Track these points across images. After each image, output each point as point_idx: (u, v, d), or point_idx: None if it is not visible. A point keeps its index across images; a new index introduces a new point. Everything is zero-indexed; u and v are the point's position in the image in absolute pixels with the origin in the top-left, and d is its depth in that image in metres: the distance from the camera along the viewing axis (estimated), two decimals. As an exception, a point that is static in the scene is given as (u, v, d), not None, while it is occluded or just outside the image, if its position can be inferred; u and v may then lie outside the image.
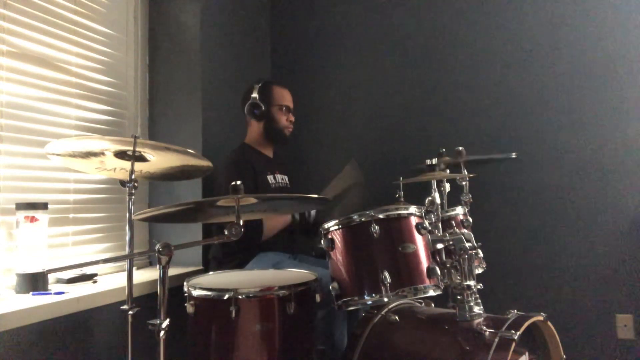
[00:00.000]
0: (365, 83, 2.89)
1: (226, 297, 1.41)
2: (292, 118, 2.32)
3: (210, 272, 1.79)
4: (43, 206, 1.63)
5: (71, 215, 1.91)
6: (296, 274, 1.69)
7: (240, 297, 1.41)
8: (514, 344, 1.37)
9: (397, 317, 1.61)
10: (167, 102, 2.35)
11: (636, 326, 2.35)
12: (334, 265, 1.57)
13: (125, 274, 1.50)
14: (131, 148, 1.39)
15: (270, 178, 2.22)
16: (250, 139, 2.33)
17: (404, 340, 1.62)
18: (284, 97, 2.30)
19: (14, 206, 1.60)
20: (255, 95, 2.22)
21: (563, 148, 2.50)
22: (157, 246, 1.17)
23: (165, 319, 1.19)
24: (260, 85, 2.25)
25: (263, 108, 2.21)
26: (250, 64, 2.89)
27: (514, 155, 2.22)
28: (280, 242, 2.14)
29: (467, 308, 1.52)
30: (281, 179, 2.30)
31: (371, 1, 2.90)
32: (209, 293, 1.45)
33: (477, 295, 1.56)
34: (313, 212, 2.14)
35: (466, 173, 2.06)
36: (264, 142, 2.32)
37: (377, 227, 1.50)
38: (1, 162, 1.64)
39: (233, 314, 1.39)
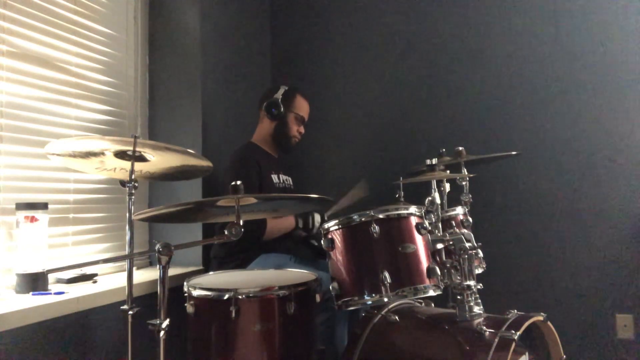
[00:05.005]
0: (366, 83, 2.89)
1: (226, 297, 1.41)
2: (303, 130, 2.37)
3: (210, 272, 1.79)
4: (43, 206, 1.63)
5: (71, 215, 1.91)
6: (296, 274, 1.69)
7: (240, 297, 1.41)
8: (514, 344, 1.37)
9: (397, 317, 1.61)
10: (167, 102, 2.35)
11: (636, 326, 2.35)
12: (334, 265, 1.57)
13: (125, 274, 1.50)
14: (131, 148, 1.39)
15: (274, 177, 2.25)
16: (257, 138, 2.35)
17: (404, 340, 1.62)
18: (303, 107, 2.36)
19: (14, 206, 1.60)
20: (278, 95, 2.27)
21: (563, 148, 2.50)
22: (157, 246, 1.18)
23: (165, 319, 1.19)
24: (287, 88, 2.32)
25: (281, 109, 2.25)
26: (250, 64, 2.89)
27: (514, 152, 2.21)
28: (282, 243, 2.14)
29: (467, 308, 1.52)
30: (285, 179, 2.33)
31: (371, 1, 2.90)
32: (209, 293, 1.45)
33: (477, 295, 1.55)
34: (317, 219, 2.15)
35: (466, 173, 2.06)
36: (271, 143, 2.34)
37: (377, 227, 1.50)
38: (1, 162, 1.64)
39: (233, 314, 1.39)
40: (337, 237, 1.57)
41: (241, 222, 1.23)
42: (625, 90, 2.42)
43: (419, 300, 1.80)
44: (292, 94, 2.31)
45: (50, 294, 1.58)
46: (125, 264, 1.62)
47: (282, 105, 2.26)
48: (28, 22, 1.75)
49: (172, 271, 2.06)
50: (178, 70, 2.35)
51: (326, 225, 1.60)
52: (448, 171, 2.06)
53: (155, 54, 2.37)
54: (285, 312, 1.43)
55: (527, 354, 1.57)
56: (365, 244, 1.52)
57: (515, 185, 2.57)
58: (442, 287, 1.53)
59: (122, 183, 1.48)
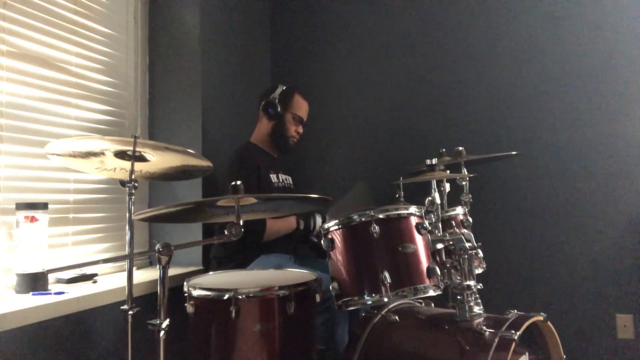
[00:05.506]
0: (366, 83, 2.89)
1: (226, 297, 1.41)
2: (301, 130, 2.35)
3: (210, 272, 1.79)
4: (43, 206, 1.63)
5: (71, 215, 1.91)
6: (296, 274, 1.69)
7: (240, 297, 1.41)
8: (514, 344, 1.37)
9: (397, 317, 1.61)
10: (167, 102, 2.35)
11: (636, 326, 2.35)
12: (334, 265, 1.57)
13: (125, 274, 1.50)
14: (131, 148, 1.39)
15: (273, 177, 2.24)
16: (256, 137, 2.35)
17: (404, 340, 1.62)
18: (301, 107, 2.33)
19: (14, 206, 1.60)
20: (275, 95, 2.26)
21: (563, 148, 2.50)
22: (157, 246, 1.18)
23: (165, 319, 1.19)
24: (284, 87, 2.29)
25: (278, 109, 2.24)
26: (250, 64, 2.89)
27: (514, 152, 2.21)
28: (282, 243, 2.14)
29: (467, 308, 1.52)
30: (285, 178, 2.32)
31: (371, 3, 2.90)
32: (209, 293, 1.45)
33: (477, 295, 1.55)
34: (319, 221, 2.14)
35: (466, 173, 2.06)
36: (270, 142, 2.33)
37: (377, 227, 1.49)
38: (1, 162, 1.64)
39: (233, 314, 1.39)
40: (337, 237, 1.57)
41: (241, 222, 1.23)
42: (626, 90, 2.42)
43: (419, 300, 1.80)
44: (290, 94, 2.29)
45: (50, 294, 1.58)
46: (125, 264, 1.62)
47: (279, 105, 2.25)
48: (28, 22, 1.75)
49: (172, 271, 2.06)
50: (178, 70, 2.35)
51: (326, 225, 1.60)
52: (448, 171, 2.05)
53: (155, 54, 2.37)
54: (285, 312, 1.44)
55: (527, 354, 1.57)
56: (365, 244, 1.52)
57: (515, 185, 2.57)
58: (442, 287, 1.52)
59: (122, 183, 1.47)
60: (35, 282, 1.59)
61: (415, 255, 1.50)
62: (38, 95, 1.78)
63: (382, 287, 1.45)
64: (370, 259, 1.51)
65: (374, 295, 1.47)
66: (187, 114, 2.33)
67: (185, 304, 1.49)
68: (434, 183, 1.69)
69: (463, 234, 1.57)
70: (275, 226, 2.07)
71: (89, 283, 1.81)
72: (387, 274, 1.45)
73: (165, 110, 2.35)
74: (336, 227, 1.57)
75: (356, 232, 1.54)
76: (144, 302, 1.56)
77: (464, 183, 2.06)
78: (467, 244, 1.54)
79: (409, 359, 1.56)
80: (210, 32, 2.44)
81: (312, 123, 2.49)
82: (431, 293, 1.49)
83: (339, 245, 1.56)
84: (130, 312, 1.43)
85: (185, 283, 1.54)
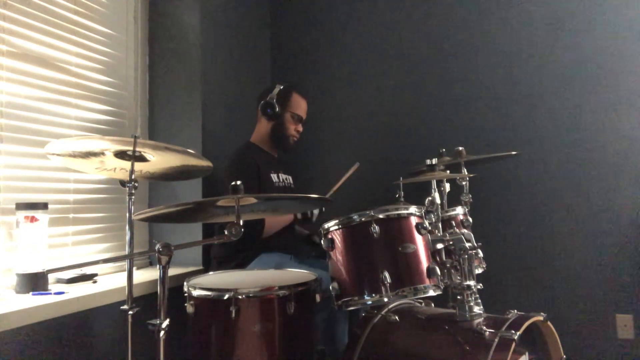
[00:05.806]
0: (366, 83, 2.89)
1: (226, 297, 1.41)
2: (301, 129, 2.35)
3: (210, 272, 1.79)
4: (43, 206, 1.63)
5: (71, 215, 1.91)
6: (296, 274, 1.69)
7: (240, 297, 1.41)
8: (514, 344, 1.37)
9: (397, 317, 1.61)
10: (167, 102, 2.35)
11: (636, 326, 2.35)
12: (334, 265, 1.57)
13: (125, 274, 1.50)
14: (131, 148, 1.39)
15: (274, 176, 2.24)
16: (256, 138, 2.34)
17: (404, 340, 1.62)
18: (300, 106, 2.32)
19: (14, 206, 1.60)
20: (273, 95, 2.25)
21: (563, 148, 2.50)
22: (157, 246, 1.18)
23: (165, 319, 1.19)
24: (282, 87, 2.28)
25: (277, 109, 2.24)
26: (250, 64, 2.89)
27: (514, 152, 2.21)
28: (282, 242, 2.14)
29: (467, 308, 1.52)
30: (285, 178, 2.32)
31: (371, 2, 2.91)
32: (209, 293, 1.45)
33: (477, 295, 1.55)
34: (316, 211, 2.14)
35: (466, 173, 2.06)
36: (270, 142, 2.33)
37: (377, 227, 1.49)
38: (1, 162, 1.64)
39: (233, 314, 1.39)
40: (337, 237, 1.57)
41: (241, 222, 1.23)
42: (626, 90, 2.42)
43: (419, 300, 1.80)
44: (288, 93, 2.29)
45: (50, 294, 1.58)
46: (125, 264, 1.62)
47: (277, 105, 2.24)
48: (28, 22, 1.75)
49: (172, 271, 2.06)
50: (178, 70, 2.35)
51: (326, 225, 1.60)
52: (448, 171, 2.05)
53: (155, 54, 2.37)
54: (285, 312, 1.44)
55: (527, 354, 1.57)
56: (365, 244, 1.52)
57: (515, 185, 2.57)
58: (442, 287, 1.53)
59: (122, 183, 1.47)
60: (35, 282, 1.59)
61: (415, 255, 1.50)
62: (38, 95, 1.78)
63: (382, 287, 1.45)
64: (370, 259, 1.51)
65: (374, 295, 1.47)
66: (187, 114, 2.33)
67: (185, 304, 1.49)
68: (434, 183, 1.69)
69: (463, 234, 1.57)
70: (274, 220, 2.07)
71: (89, 283, 1.81)
72: (387, 274, 1.45)
73: (165, 110, 2.35)
74: (336, 227, 1.57)
75: (356, 232, 1.54)
76: (144, 302, 1.56)
77: (464, 183, 2.06)
78: (467, 244, 1.54)
79: (408, 359, 1.56)
80: (210, 32, 2.44)
81: (312, 122, 2.49)
82: (431, 293, 1.49)
83: (339, 245, 1.56)
84: (130, 312, 1.43)
85: (185, 283, 1.54)
